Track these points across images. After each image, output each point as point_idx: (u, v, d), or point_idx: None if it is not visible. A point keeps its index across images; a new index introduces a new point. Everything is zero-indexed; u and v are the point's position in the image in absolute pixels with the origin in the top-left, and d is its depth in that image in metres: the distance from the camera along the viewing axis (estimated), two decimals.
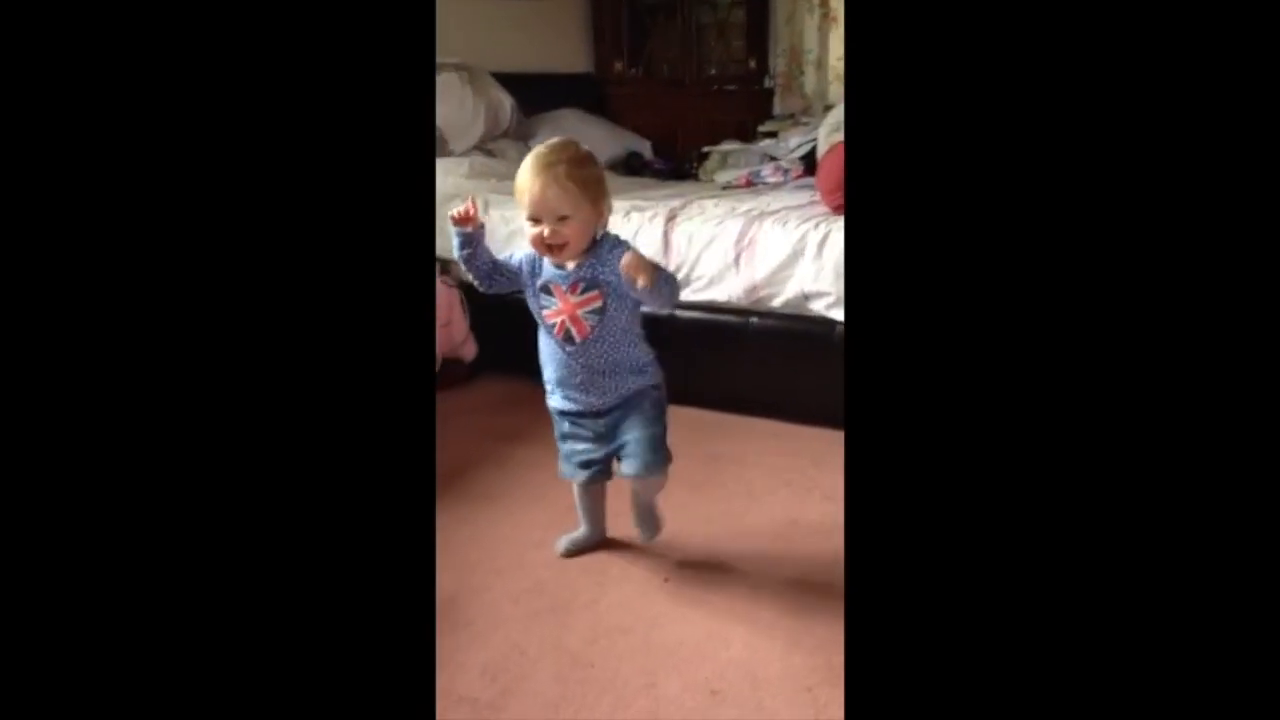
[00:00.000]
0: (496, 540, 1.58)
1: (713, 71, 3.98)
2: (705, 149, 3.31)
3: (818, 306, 2.02)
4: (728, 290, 2.14)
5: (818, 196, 2.30)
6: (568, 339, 1.32)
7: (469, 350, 2.39)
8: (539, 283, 1.33)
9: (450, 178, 2.60)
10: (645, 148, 3.45)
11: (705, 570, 1.48)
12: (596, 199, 1.27)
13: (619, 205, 2.36)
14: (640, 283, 1.20)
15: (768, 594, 1.39)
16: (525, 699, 1.17)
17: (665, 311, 1.31)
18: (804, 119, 3.58)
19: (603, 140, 3.32)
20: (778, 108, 3.93)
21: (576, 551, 1.53)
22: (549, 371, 1.39)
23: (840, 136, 2.45)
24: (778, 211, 2.19)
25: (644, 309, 1.37)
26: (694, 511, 1.68)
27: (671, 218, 2.25)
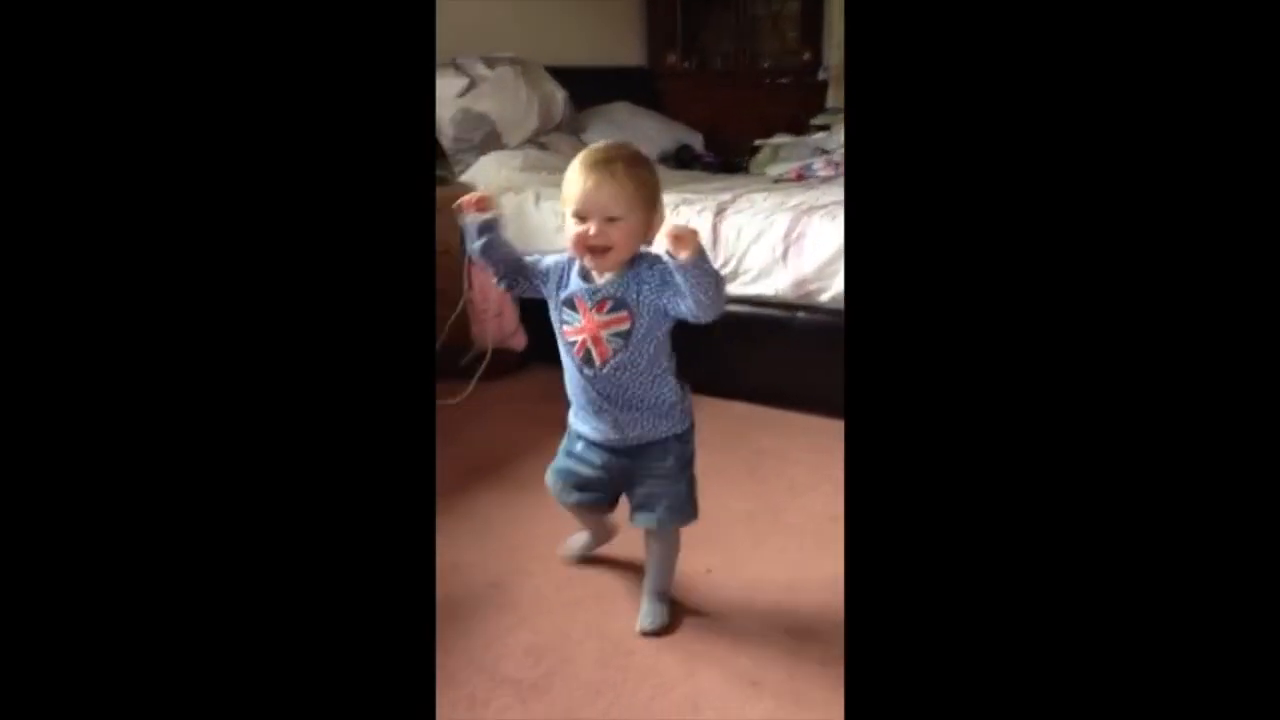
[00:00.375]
0: (539, 527, 1.61)
1: (766, 64, 3.95)
2: (757, 142, 3.30)
3: None
4: (775, 284, 2.13)
5: None
6: (587, 360, 1.20)
7: (519, 341, 2.43)
8: (564, 295, 1.21)
9: (504, 170, 2.64)
10: (697, 141, 3.46)
11: (747, 564, 1.49)
12: (650, 205, 1.15)
13: (669, 199, 2.37)
14: (683, 255, 1.06)
15: (808, 589, 1.40)
16: (567, 682, 1.20)
17: (706, 318, 1.13)
18: None
19: (654, 133, 3.33)
20: (831, 100, 3.89)
21: (583, 558, 1.47)
22: (571, 390, 1.27)
23: None
24: (827, 206, 2.18)
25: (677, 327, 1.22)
26: (736, 506, 1.69)
27: (720, 211, 2.25)
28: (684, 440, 1.27)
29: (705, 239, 2.24)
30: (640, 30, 3.85)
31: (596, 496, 1.31)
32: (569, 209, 1.15)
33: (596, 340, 1.19)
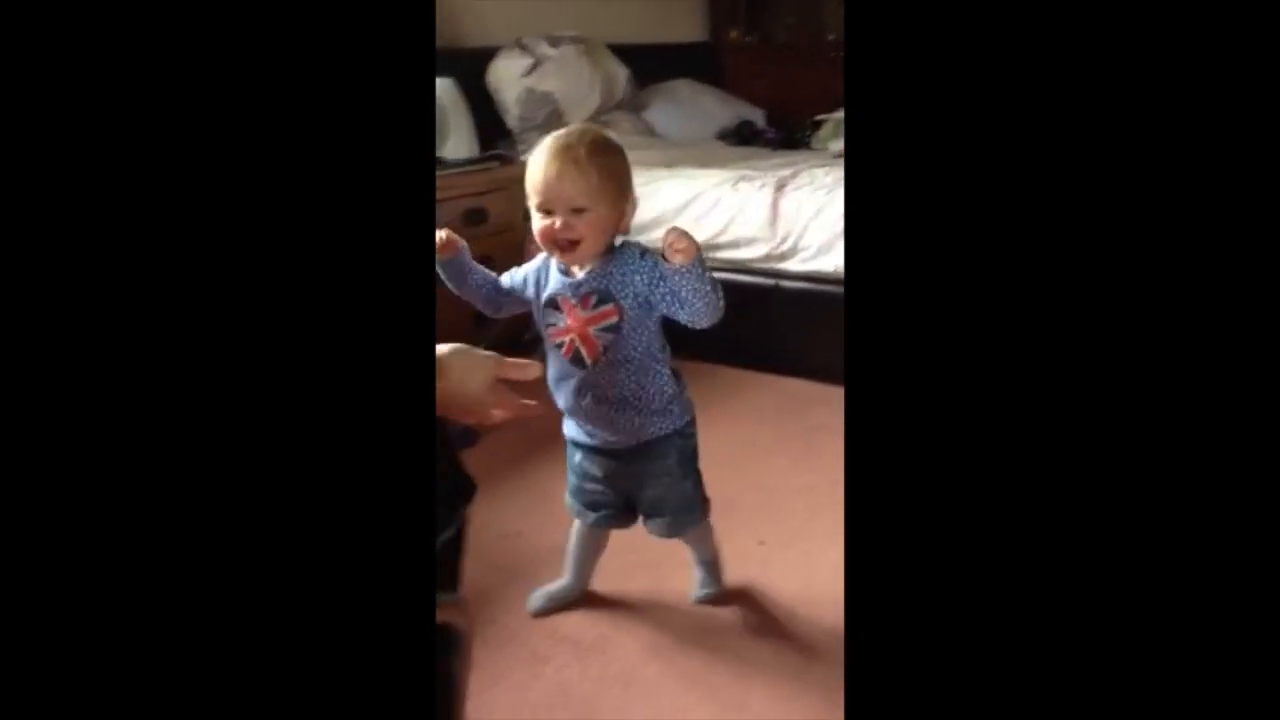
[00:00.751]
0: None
1: (830, 37, 3.88)
2: (819, 117, 3.26)
3: None
4: (834, 261, 2.13)
5: None
6: (577, 360, 1.14)
7: None
8: (545, 296, 1.14)
9: None
10: (758, 116, 3.43)
11: (802, 538, 1.52)
12: (619, 193, 1.08)
13: (727, 175, 2.38)
14: (679, 258, 1.02)
15: None
16: (623, 642, 1.25)
17: (702, 324, 1.08)
18: None
19: (715, 109, 3.32)
20: None
21: (553, 609, 1.33)
22: (559, 397, 1.19)
23: None
24: None
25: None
26: (793, 481, 1.70)
27: (780, 187, 2.25)
28: (685, 435, 1.21)
29: (765, 216, 2.24)
30: (702, 5, 3.83)
31: (610, 514, 1.25)
32: (531, 200, 1.08)
33: (585, 338, 1.12)
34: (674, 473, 1.19)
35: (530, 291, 1.17)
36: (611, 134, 3.16)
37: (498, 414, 0.84)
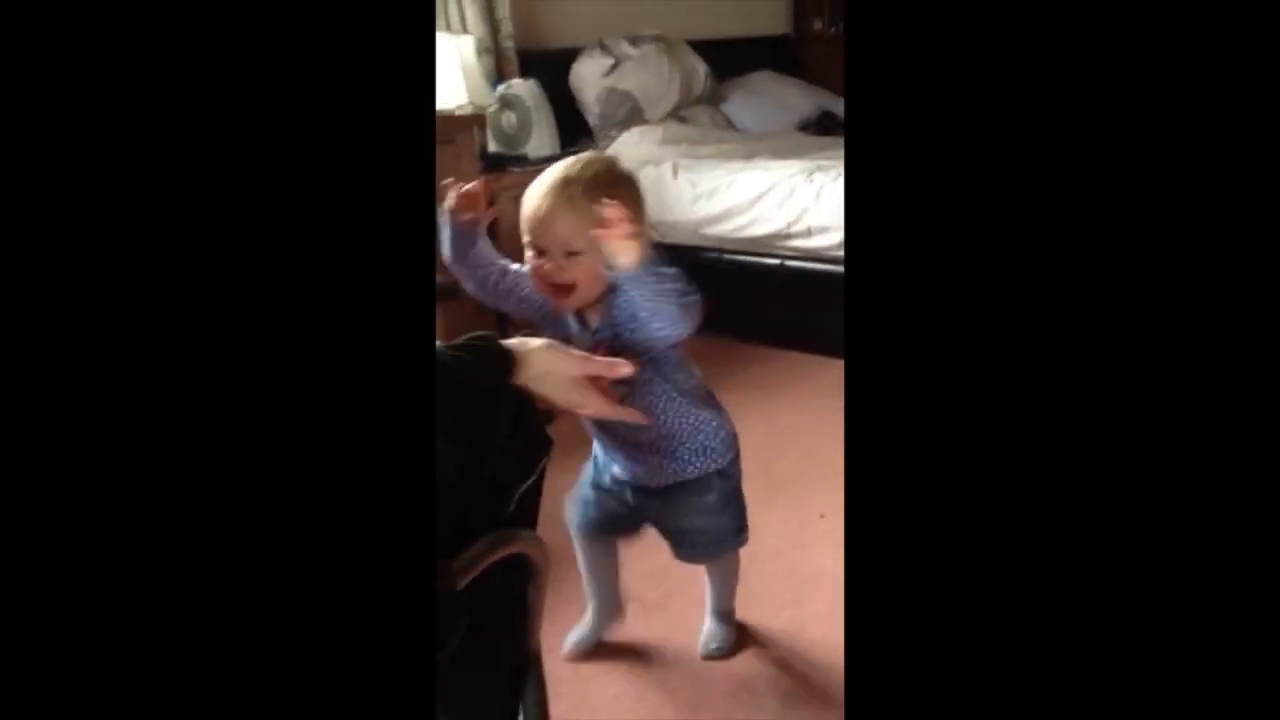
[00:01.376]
0: None
1: None
2: None
3: None
4: None
5: None
6: None
7: None
8: (559, 334, 1.02)
9: (645, 144, 2.79)
10: (839, 107, 3.45)
11: None
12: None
13: (803, 165, 2.44)
14: (623, 259, 0.88)
15: None
16: (685, 601, 1.35)
17: (676, 335, 0.98)
18: None
19: (795, 100, 3.37)
20: None
21: (589, 650, 1.24)
22: (590, 427, 1.10)
23: None
24: None
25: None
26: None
27: None
28: (726, 476, 1.11)
29: (837, 205, 2.28)
30: None
31: (623, 532, 1.18)
32: (524, 238, 0.97)
33: (601, 390, 0.98)
34: (713, 509, 1.11)
35: (541, 315, 1.05)
36: (693, 128, 2.94)
37: (588, 410, 0.86)
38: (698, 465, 1.08)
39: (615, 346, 0.99)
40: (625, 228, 0.86)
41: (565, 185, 0.95)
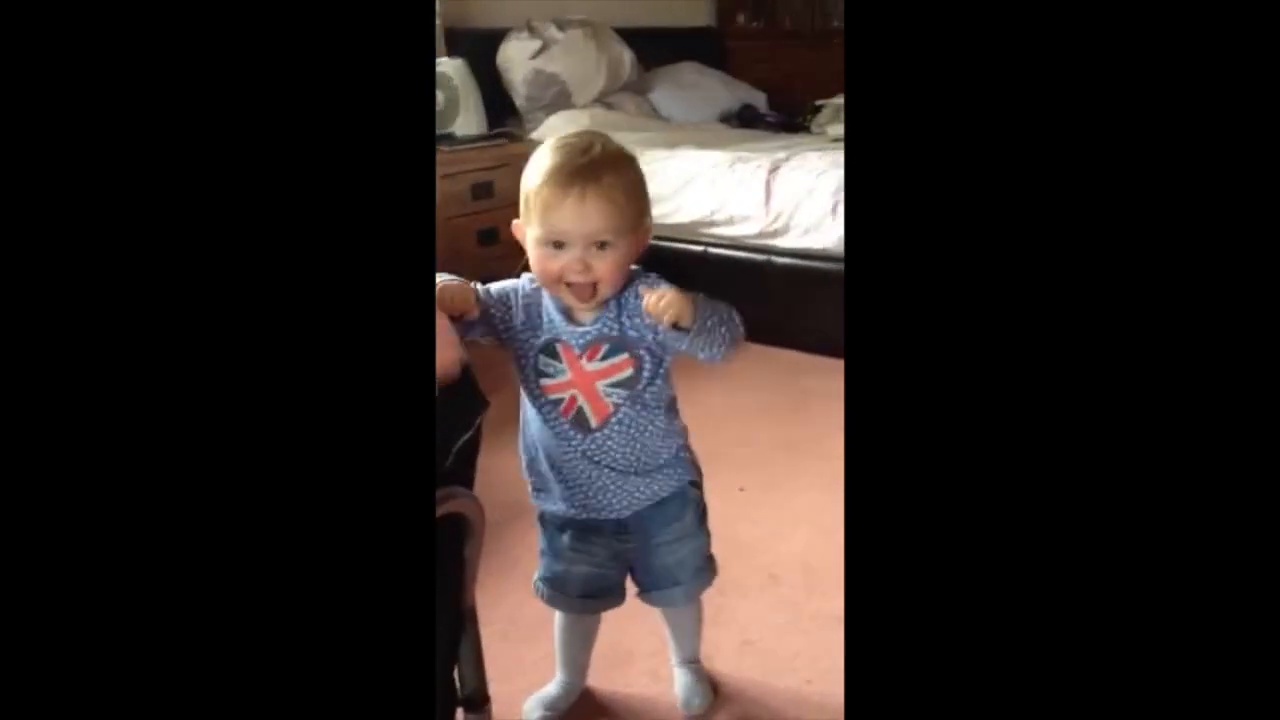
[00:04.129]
0: None
1: (836, 24, 3.98)
2: (818, 102, 3.37)
3: None
4: (824, 239, 2.25)
5: None
6: (579, 424, 0.92)
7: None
8: (542, 339, 0.91)
9: (571, 128, 2.79)
10: (760, 100, 3.54)
11: (776, 485, 1.66)
12: (641, 217, 0.88)
13: (725, 156, 2.50)
14: (669, 319, 0.83)
15: (831, 499, 1.56)
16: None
17: (718, 359, 0.90)
18: None
19: (718, 92, 3.43)
20: None
21: (554, 717, 1.11)
22: (540, 464, 0.96)
23: None
24: None
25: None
26: (775, 434, 1.85)
27: (775, 168, 2.37)
28: (697, 485, 1.01)
29: (758, 195, 2.36)
30: None
31: (607, 599, 1.04)
32: (535, 229, 0.86)
33: (591, 395, 0.91)
34: (691, 530, 1.00)
35: (518, 324, 0.92)
36: (619, 115, 2.93)
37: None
38: (671, 481, 0.98)
39: (616, 346, 0.90)
40: (670, 295, 0.84)
41: (593, 171, 0.83)
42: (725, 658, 1.21)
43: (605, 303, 0.90)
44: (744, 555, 1.41)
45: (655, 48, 3.36)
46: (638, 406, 0.92)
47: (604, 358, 0.91)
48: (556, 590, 1.03)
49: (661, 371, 0.93)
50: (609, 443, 0.93)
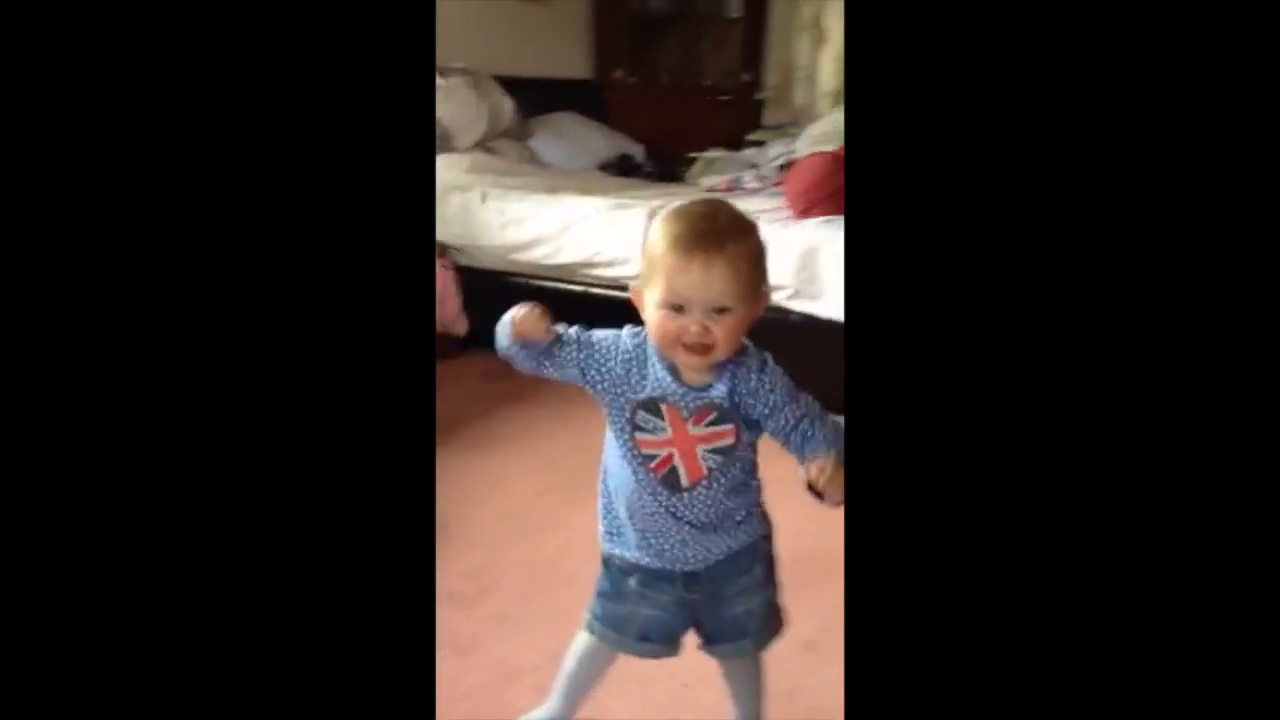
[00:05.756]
0: (480, 480, 1.84)
1: (708, 83, 4.22)
2: (692, 154, 3.56)
3: (778, 297, 2.27)
4: None
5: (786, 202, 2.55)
6: (669, 482, 0.93)
7: (461, 326, 2.63)
8: (644, 395, 0.91)
9: (453, 171, 2.85)
10: (638, 151, 3.69)
11: None
12: (761, 284, 0.91)
13: (605, 202, 2.61)
14: (831, 501, 0.84)
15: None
16: (501, 594, 1.42)
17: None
18: (791, 130, 3.83)
19: (597, 141, 3.57)
20: (766, 119, 4.17)
21: None
22: (618, 510, 0.97)
23: (818, 148, 2.70)
24: (748, 213, 2.44)
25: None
26: None
27: (652, 215, 2.49)
28: (769, 539, 1.02)
29: (637, 239, 2.47)
30: (588, 46, 4.09)
31: (666, 646, 1.02)
32: (656, 292, 0.87)
33: (689, 457, 0.92)
34: (761, 582, 1.01)
35: (616, 374, 0.92)
36: (500, 160, 2.96)
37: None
38: (745, 535, 0.98)
39: (724, 415, 0.91)
40: (831, 471, 0.84)
41: (716, 238, 0.85)
42: None
43: (720, 370, 0.91)
44: None
45: (536, 96, 3.46)
46: (730, 470, 0.94)
47: (710, 424, 0.92)
48: (615, 631, 1.01)
49: (754, 441, 0.95)
50: (696, 502, 0.94)
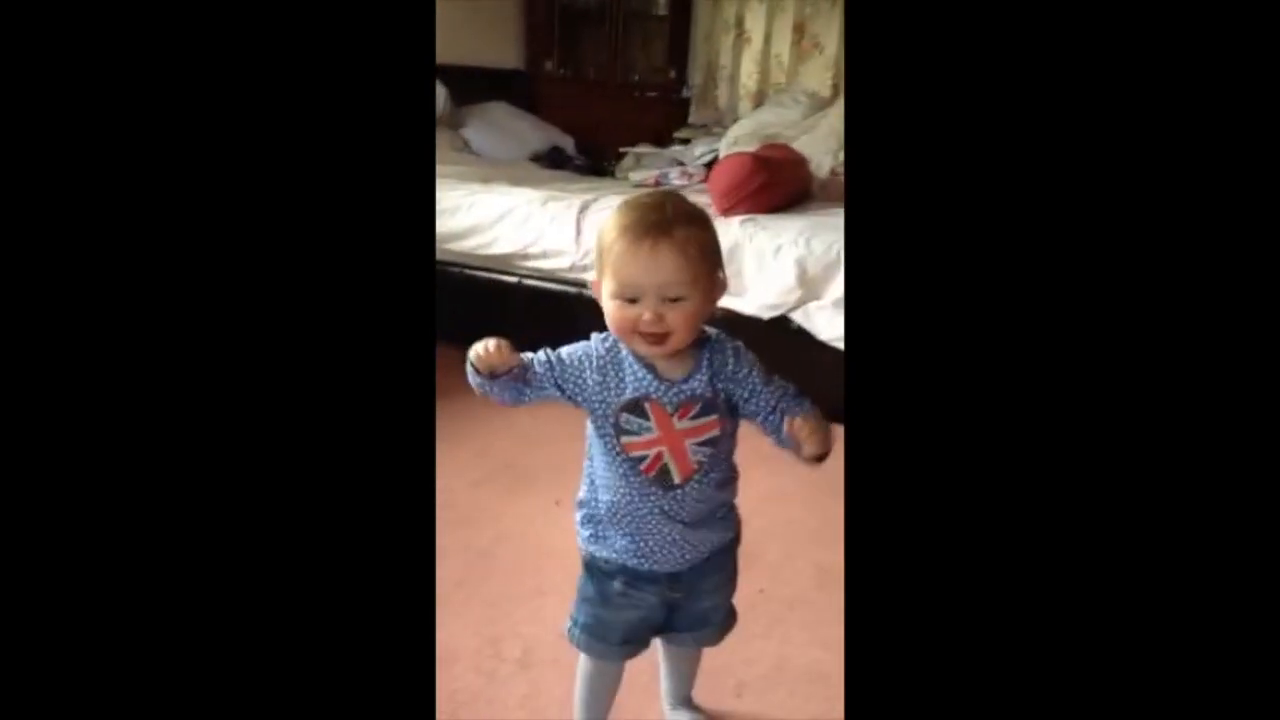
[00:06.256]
0: (463, 447, 1.87)
1: (635, 78, 4.28)
2: (622, 150, 3.62)
3: None
4: None
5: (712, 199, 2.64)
6: (661, 481, 0.93)
7: None
8: (625, 398, 0.92)
9: None
10: (569, 144, 3.73)
11: None
12: (714, 272, 0.91)
13: (538, 194, 2.65)
14: (811, 450, 0.88)
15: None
16: (437, 582, 1.45)
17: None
18: (716, 129, 3.92)
19: (529, 133, 3.59)
20: (693, 117, 4.26)
21: None
22: (601, 514, 0.98)
23: (738, 148, 2.79)
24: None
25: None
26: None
27: (584, 208, 2.55)
28: (738, 539, 1.06)
29: (570, 232, 2.52)
30: (519, 36, 4.09)
31: (641, 646, 1.06)
32: (610, 283, 0.89)
33: (678, 453, 0.93)
34: (726, 580, 1.06)
35: (591, 385, 0.92)
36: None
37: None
38: (722, 534, 1.01)
39: (707, 407, 0.92)
40: (814, 424, 0.88)
41: (669, 227, 0.87)
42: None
43: (697, 361, 0.93)
44: (563, 564, 1.53)
45: (468, 85, 3.46)
46: (716, 464, 0.95)
47: (695, 417, 0.92)
48: (597, 638, 1.03)
49: (735, 431, 0.97)
50: (688, 498, 0.95)
